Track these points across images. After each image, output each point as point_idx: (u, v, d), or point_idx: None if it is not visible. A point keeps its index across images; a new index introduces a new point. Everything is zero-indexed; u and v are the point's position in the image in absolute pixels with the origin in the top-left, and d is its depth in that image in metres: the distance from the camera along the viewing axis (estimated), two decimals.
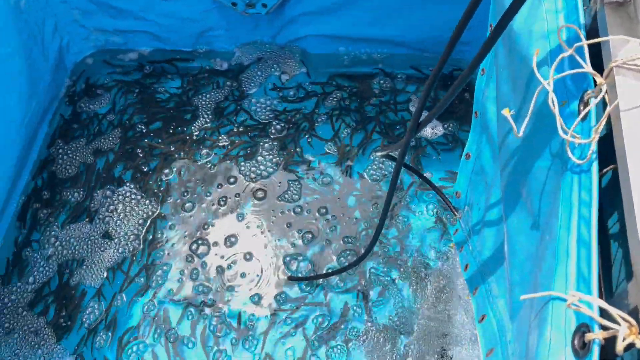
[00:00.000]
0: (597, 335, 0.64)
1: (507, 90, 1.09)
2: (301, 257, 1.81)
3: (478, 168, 1.45)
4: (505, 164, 1.09)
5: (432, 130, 2.02)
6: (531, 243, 0.94)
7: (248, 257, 1.83)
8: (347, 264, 1.75)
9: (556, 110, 0.76)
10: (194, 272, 1.80)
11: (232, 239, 1.86)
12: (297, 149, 2.02)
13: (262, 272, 1.80)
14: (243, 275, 1.79)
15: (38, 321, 1.73)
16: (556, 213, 0.82)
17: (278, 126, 2.07)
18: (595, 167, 0.73)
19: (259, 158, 2.01)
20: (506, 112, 0.83)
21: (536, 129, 0.94)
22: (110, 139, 2.08)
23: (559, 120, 0.76)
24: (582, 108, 0.79)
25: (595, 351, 0.64)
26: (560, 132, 0.76)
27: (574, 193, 0.77)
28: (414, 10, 1.99)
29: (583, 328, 0.67)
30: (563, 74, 0.78)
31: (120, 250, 1.84)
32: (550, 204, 0.87)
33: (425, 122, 1.07)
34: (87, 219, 1.90)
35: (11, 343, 1.70)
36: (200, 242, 1.86)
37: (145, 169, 2.00)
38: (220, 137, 2.06)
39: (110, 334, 1.71)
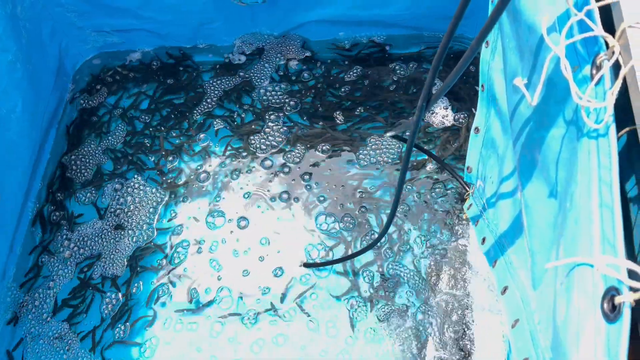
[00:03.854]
0: (627, 298, 0.64)
1: (514, 60, 1.09)
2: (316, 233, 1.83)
3: (488, 141, 1.44)
4: (517, 135, 1.09)
5: (441, 119, 2.02)
6: (550, 211, 0.93)
7: (264, 240, 1.84)
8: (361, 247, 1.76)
9: (569, 76, 0.76)
10: (214, 244, 1.85)
11: (245, 219, 1.90)
12: (305, 120, 2.06)
13: (280, 247, 1.84)
14: (261, 258, 1.82)
15: (62, 326, 1.75)
16: (575, 179, 0.82)
17: (292, 102, 2.10)
18: (613, 129, 0.72)
19: (267, 130, 2.04)
20: (519, 82, 0.82)
21: (547, 97, 0.93)
22: (117, 135, 2.09)
23: (573, 86, 0.75)
24: (594, 72, 0.78)
25: (626, 313, 0.64)
26: (575, 97, 0.76)
27: (593, 158, 0.77)
28: None
29: (612, 291, 0.67)
30: (574, 38, 0.78)
31: (134, 239, 1.87)
32: (567, 171, 0.87)
33: (434, 99, 1.07)
34: (98, 216, 1.92)
35: (37, 349, 1.73)
36: (215, 214, 1.91)
37: (153, 159, 2.03)
38: (228, 122, 2.09)
39: (128, 324, 1.75)
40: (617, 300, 0.65)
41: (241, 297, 1.76)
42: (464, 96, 2.05)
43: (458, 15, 0.92)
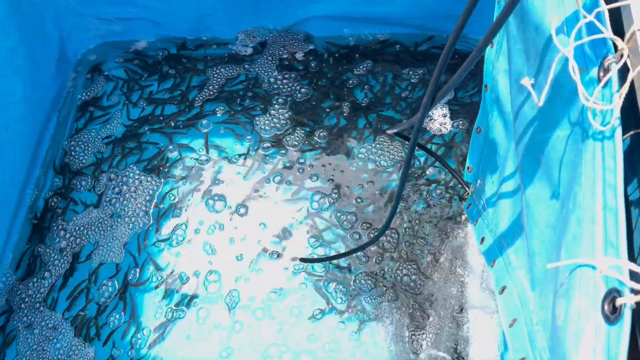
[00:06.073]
0: (628, 299, 0.64)
1: (520, 61, 1.08)
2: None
3: (490, 141, 1.44)
4: (521, 136, 1.09)
5: (439, 126, 2.01)
6: (551, 212, 0.93)
7: (263, 223, 1.86)
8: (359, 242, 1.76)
9: (577, 78, 0.76)
10: (211, 226, 1.86)
11: (244, 204, 1.91)
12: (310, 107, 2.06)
13: (281, 227, 1.86)
14: (259, 242, 1.84)
15: (56, 316, 1.75)
16: (578, 181, 0.82)
17: (303, 90, 2.10)
18: (619, 132, 0.72)
19: (272, 112, 2.05)
20: (526, 82, 0.82)
21: (553, 98, 0.93)
22: (118, 124, 2.08)
23: (580, 88, 0.75)
24: (602, 74, 0.78)
25: (627, 315, 0.64)
26: (582, 99, 0.76)
27: (597, 160, 0.77)
28: None
29: (613, 293, 0.67)
30: (584, 39, 0.77)
31: (131, 227, 1.86)
32: (571, 172, 0.87)
33: (439, 97, 1.07)
34: (93, 205, 1.91)
35: (29, 339, 1.72)
36: (215, 197, 1.92)
37: (153, 146, 2.04)
38: (230, 109, 2.10)
39: (123, 313, 1.75)
40: (618, 302, 0.65)
41: (229, 280, 1.78)
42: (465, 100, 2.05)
43: (466, 16, 0.92)
